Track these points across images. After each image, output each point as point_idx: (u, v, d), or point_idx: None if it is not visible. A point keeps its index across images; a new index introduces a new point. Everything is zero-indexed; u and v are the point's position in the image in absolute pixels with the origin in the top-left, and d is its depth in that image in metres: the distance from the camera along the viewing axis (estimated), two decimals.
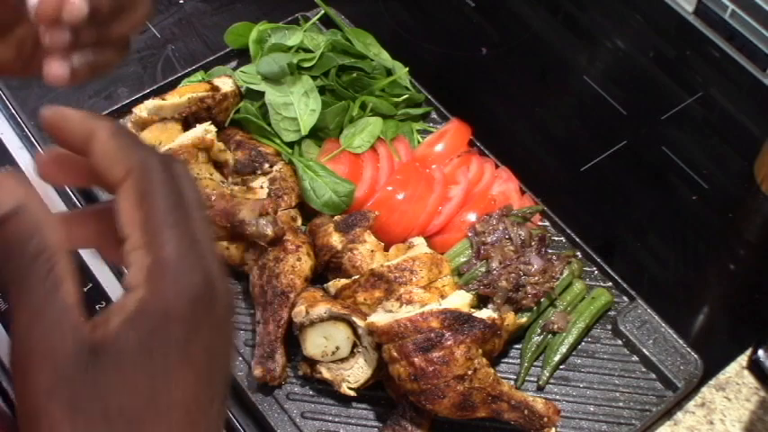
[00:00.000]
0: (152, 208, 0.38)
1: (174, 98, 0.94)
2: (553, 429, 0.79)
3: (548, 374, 0.85)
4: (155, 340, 0.36)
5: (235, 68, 1.04)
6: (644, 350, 0.85)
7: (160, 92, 0.99)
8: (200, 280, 0.37)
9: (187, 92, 0.95)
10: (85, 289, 0.87)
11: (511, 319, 0.84)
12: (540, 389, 0.85)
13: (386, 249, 0.89)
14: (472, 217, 0.93)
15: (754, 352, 0.87)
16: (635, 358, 0.86)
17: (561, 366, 0.86)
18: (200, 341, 0.38)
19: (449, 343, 0.76)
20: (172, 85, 1.02)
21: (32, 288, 0.36)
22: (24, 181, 0.36)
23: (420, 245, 0.89)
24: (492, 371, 0.78)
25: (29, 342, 0.36)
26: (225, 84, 0.97)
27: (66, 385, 0.35)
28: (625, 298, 0.90)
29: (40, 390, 0.35)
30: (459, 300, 0.81)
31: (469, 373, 0.76)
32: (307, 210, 0.93)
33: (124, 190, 0.38)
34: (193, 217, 0.39)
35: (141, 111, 0.94)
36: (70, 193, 0.95)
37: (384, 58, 1.06)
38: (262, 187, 0.92)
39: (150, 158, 0.39)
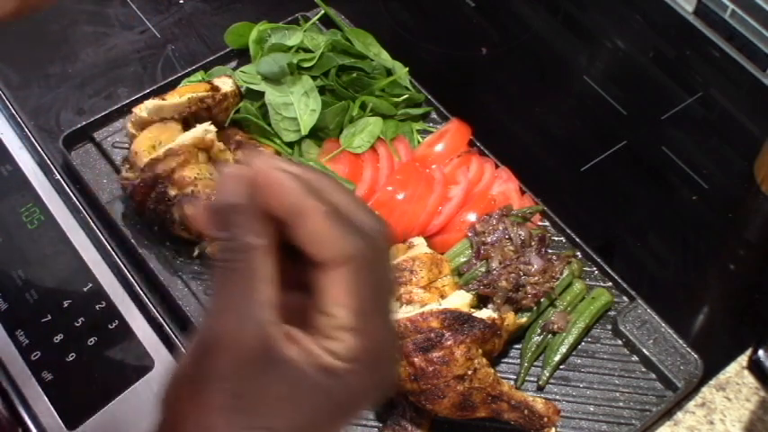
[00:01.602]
0: (365, 299, 0.40)
1: (174, 98, 0.94)
2: (553, 429, 0.79)
3: (548, 374, 0.85)
4: (332, 400, 0.40)
5: (235, 68, 1.05)
6: (644, 350, 0.85)
7: (160, 92, 0.98)
8: (391, 366, 0.43)
9: (187, 92, 0.95)
10: (85, 289, 0.87)
11: (511, 319, 0.84)
12: (540, 389, 0.85)
13: None
14: (472, 217, 0.93)
15: (754, 352, 0.87)
16: (635, 358, 0.86)
17: (561, 366, 0.86)
18: (356, 415, 0.42)
19: (449, 343, 0.76)
20: (172, 85, 1.02)
21: (233, 276, 0.38)
22: (256, 176, 0.38)
23: (420, 245, 0.89)
24: (492, 371, 0.78)
25: (218, 326, 0.38)
26: (225, 84, 0.97)
27: (238, 379, 0.37)
28: (625, 298, 0.90)
29: (213, 374, 0.37)
30: (459, 300, 0.81)
31: (469, 373, 0.76)
32: None
33: (333, 273, 0.40)
34: (390, 305, 0.42)
35: (141, 111, 0.94)
36: (69, 192, 0.95)
37: (384, 58, 1.06)
38: None
39: (363, 244, 0.40)
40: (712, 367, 0.86)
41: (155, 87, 1.02)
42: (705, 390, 0.85)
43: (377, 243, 0.41)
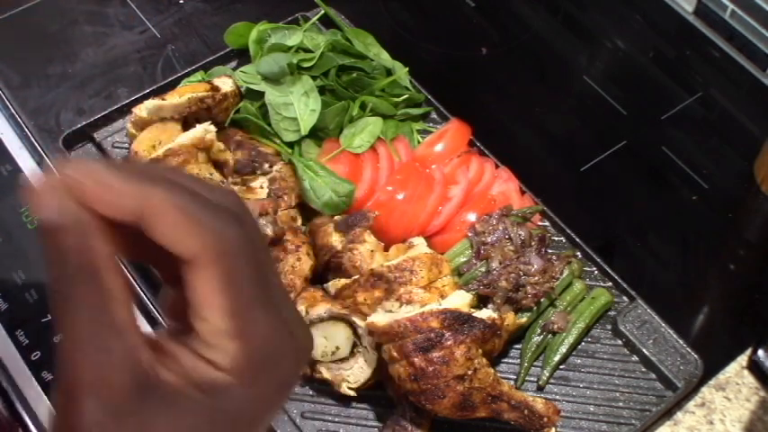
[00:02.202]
0: (238, 295, 0.35)
1: (174, 98, 0.94)
2: (553, 429, 0.79)
3: (548, 374, 0.85)
4: (223, 417, 0.35)
5: (235, 68, 1.05)
6: (644, 350, 0.85)
7: (160, 92, 0.98)
8: (290, 365, 0.37)
9: (187, 92, 0.95)
10: None
11: (511, 319, 0.84)
12: (540, 389, 0.85)
13: (386, 249, 0.89)
14: (472, 217, 0.93)
15: (754, 352, 0.87)
16: (635, 358, 0.86)
17: (561, 366, 0.86)
18: (268, 420, 0.38)
19: (449, 343, 0.76)
20: (172, 85, 1.02)
21: (77, 307, 0.33)
22: (75, 183, 0.33)
23: (420, 245, 0.89)
24: (492, 371, 0.78)
25: (75, 370, 0.32)
26: (225, 84, 0.97)
27: (115, 421, 0.32)
28: (625, 298, 0.90)
29: (85, 423, 0.32)
30: (459, 300, 0.81)
31: (469, 373, 0.76)
32: (307, 210, 0.93)
33: (200, 270, 0.35)
34: (274, 290, 0.37)
35: (141, 111, 0.94)
36: None
37: (384, 58, 1.06)
38: (262, 187, 0.92)
39: (228, 231, 0.35)
40: (712, 367, 0.86)
41: (155, 87, 1.02)
42: (705, 390, 0.85)
43: (240, 224, 0.36)
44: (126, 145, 0.99)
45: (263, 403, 0.37)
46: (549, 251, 0.90)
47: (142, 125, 0.94)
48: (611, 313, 0.89)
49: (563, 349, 0.86)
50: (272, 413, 0.38)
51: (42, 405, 0.80)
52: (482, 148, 0.99)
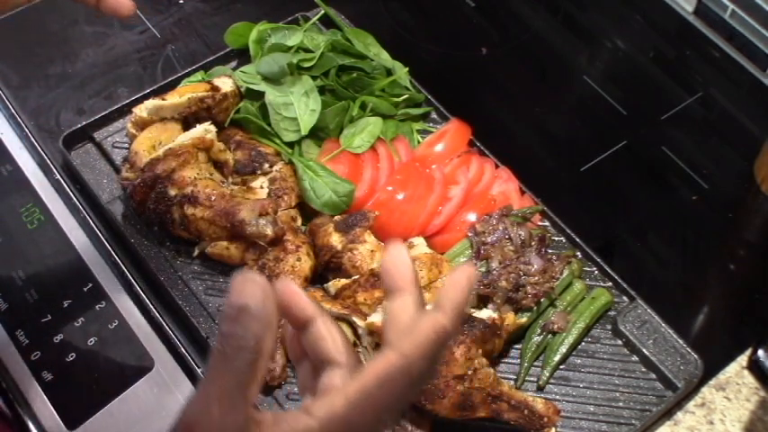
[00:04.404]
0: (374, 391, 0.44)
1: (174, 98, 0.94)
2: (553, 429, 0.79)
3: (548, 374, 0.85)
4: None
5: (235, 68, 1.05)
6: (644, 350, 0.85)
7: (160, 92, 0.99)
8: None
9: (187, 92, 0.95)
10: (85, 289, 0.87)
11: (511, 319, 0.84)
12: (540, 389, 0.85)
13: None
14: (472, 217, 0.93)
15: (754, 352, 0.87)
16: (635, 358, 0.86)
17: (561, 366, 0.86)
18: None
19: (449, 343, 0.76)
20: (172, 85, 1.02)
21: (231, 371, 0.42)
22: (268, 287, 0.43)
23: (420, 245, 0.89)
24: (492, 371, 0.78)
25: (207, 410, 0.41)
26: (225, 84, 0.97)
27: None
28: (625, 298, 0.90)
29: None
30: None
31: (469, 373, 0.76)
32: (307, 210, 0.93)
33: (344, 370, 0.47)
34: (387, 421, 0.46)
35: (141, 111, 0.94)
36: (69, 192, 0.95)
37: (384, 58, 1.06)
38: (262, 187, 0.92)
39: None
40: (712, 367, 0.86)
41: (155, 87, 1.02)
42: (705, 390, 0.85)
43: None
44: (126, 145, 0.99)
45: None
46: (549, 251, 0.90)
47: (142, 125, 0.94)
48: (611, 313, 0.89)
49: (563, 349, 0.86)
50: None
51: (42, 405, 0.80)
52: (482, 148, 0.99)
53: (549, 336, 0.86)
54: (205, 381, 0.42)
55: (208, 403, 0.42)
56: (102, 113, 1.01)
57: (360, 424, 0.43)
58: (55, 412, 0.79)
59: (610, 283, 0.91)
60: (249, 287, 0.43)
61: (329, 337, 0.48)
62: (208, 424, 0.41)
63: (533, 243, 0.89)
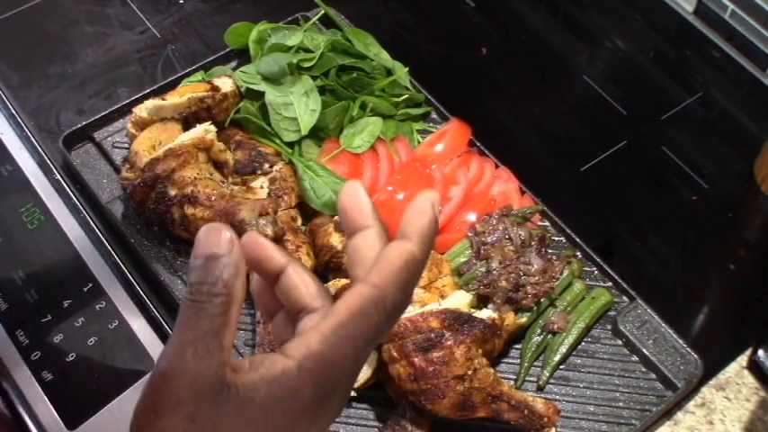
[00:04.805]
0: (349, 324, 0.43)
1: (174, 98, 0.94)
2: (553, 429, 0.79)
3: (548, 374, 0.85)
4: (275, 406, 0.41)
5: (235, 68, 1.05)
6: (644, 350, 0.85)
7: (160, 92, 0.99)
8: (336, 386, 0.43)
9: (187, 92, 0.95)
10: (85, 289, 0.87)
11: (511, 319, 0.84)
12: (540, 389, 0.85)
13: None
14: (472, 217, 0.93)
15: (754, 352, 0.87)
16: (635, 358, 0.86)
17: (561, 366, 0.86)
18: (303, 427, 0.43)
19: (449, 343, 0.76)
20: (172, 85, 1.02)
21: (203, 318, 0.41)
22: (233, 235, 0.43)
23: None
24: (492, 371, 0.78)
25: (181, 357, 0.41)
26: (225, 84, 0.97)
27: (194, 403, 0.40)
28: (625, 298, 0.90)
29: (173, 398, 0.40)
30: (460, 300, 0.81)
31: (469, 373, 0.76)
32: (307, 210, 0.93)
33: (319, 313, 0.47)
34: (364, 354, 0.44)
35: (141, 111, 0.94)
36: (69, 192, 0.95)
37: (384, 58, 1.06)
38: (262, 187, 0.92)
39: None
40: (712, 367, 0.86)
41: (155, 87, 1.02)
42: (705, 390, 0.85)
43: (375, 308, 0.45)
44: (126, 145, 0.99)
45: (310, 405, 0.42)
46: (549, 251, 0.90)
47: (142, 125, 0.94)
48: (611, 313, 0.89)
49: (563, 349, 0.86)
50: (312, 417, 0.43)
51: (42, 405, 0.80)
52: (482, 148, 0.99)
53: (549, 336, 0.86)
54: (177, 331, 0.42)
55: (182, 352, 0.41)
56: (102, 113, 1.01)
57: (338, 359, 0.42)
58: (55, 412, 0.79)
59: (610, 283, 0.91)
60: (214, 236, 0.42)
61: (302, 284, 0.47)
62: (183, 372, 0.40)
63: (533, 243, 0.89)
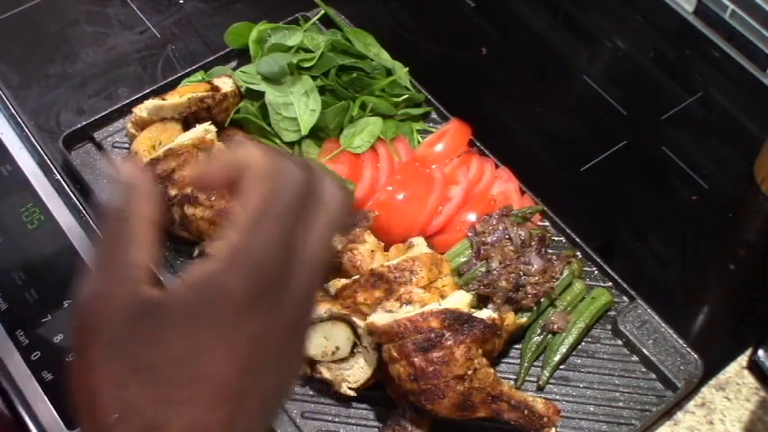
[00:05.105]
0: (263, 207, 0.41)
1: (174, 98, 0.94)
2: (553, 429, 0.79)
3: (548, 374, 0.85)
4: (204, 311, 0.39)
5: (235, 68, 1.04)
6: (644, 350, 0.85)
7: (160, 92, 0.99)
8: (273, 276, 0.40)
9: (187, 92, 0.95)
10: None
11: (511, 319, 0.84)
12: (540, 389, 0.85)
13: (386, 249, 0.89)
14: (472, 217, 0.93)
15: (754, 352, 0.87)
16: (635, 358, 0.86)
17: (561, 366, 0.86)
18: (248, 330, 0.39)
19: (449, 343, 0.76)
20: (172, 85, 1.02)
21: (105, 241, 0.41)
22: (142, 167, 0.43)
23: (420, 245, 0.89)
24: (492, 371, 0.78)
25: (93, 285, 0.40)
26: (225, 84, 0.97)
27: (110, 329, 0.39)
28: (625, 298, 0.90)
29: (89, 329, 0.39)
30: (460, 300, 0.81)
31: (469, 373, 0.76)
32: None
33: (254, 182, 0.43)
34: (300, 236, 0.43)
35: (141, 111, 0.94)
36: (69, 192, 0.95)
37: (384, 58, 1.06)
38: None
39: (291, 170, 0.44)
40: (712, 367, 0.86)
41: (155, 87, 1.02)
42: (705, 390, 0.85)
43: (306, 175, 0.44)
44: (126, 145, 0.99)
45: (244, 295, 0.39)
46: (549, 251, 0.90)
47: (142, 125, 0.94)
48: (611, 313, 0.89)
49: (563, 349, 0.86)
50: (248, 306, 0.40)
51: (42, 405, 0.80)
52: (482, 148, 0.99)
53: (549, 336, 0.86)
54: (92, 264, 0.41)
55: (92, 280, 0.40)
56: (102, 113, 1.00)
57: (263, 245, 0.40)
58: (55, 412, 0.79)
59: (610, 283, 0.91)
60: (125, 167, 0.43)
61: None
62: (96, 300, 0.40)
63: (533, 243, 0.89)
